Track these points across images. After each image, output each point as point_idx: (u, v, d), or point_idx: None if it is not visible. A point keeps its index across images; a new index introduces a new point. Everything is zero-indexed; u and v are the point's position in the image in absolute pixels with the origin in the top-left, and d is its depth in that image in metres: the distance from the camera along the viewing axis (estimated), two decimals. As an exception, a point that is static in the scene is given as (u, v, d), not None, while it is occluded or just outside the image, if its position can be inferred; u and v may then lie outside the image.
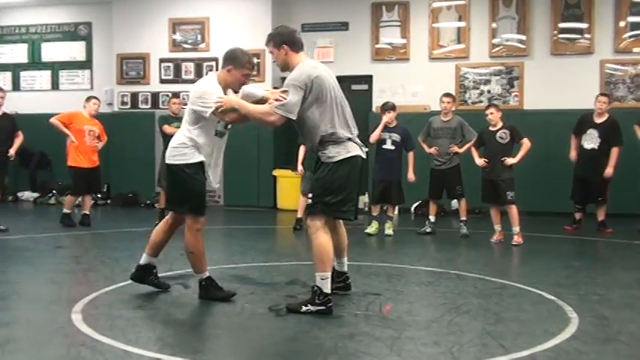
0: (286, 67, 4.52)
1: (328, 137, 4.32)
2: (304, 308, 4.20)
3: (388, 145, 8.17)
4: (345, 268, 4.85)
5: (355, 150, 4.40)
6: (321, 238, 4.27)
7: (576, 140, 8.78)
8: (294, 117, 4.27)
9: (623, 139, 8.58)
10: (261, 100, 4.80)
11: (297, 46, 4.48)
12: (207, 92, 4.50)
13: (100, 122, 9.19)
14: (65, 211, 8.84)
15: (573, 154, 8.79)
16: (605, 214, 8.69)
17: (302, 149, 8.68)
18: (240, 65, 4.66)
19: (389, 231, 8.17)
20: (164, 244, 4.87)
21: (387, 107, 8.21)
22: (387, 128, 8.17)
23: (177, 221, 4.81)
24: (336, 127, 4.34)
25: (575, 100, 9.98)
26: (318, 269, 4.27)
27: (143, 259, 4.87)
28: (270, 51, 4.60)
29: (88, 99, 9.04)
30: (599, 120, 8.62)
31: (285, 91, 4.31)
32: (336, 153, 4.33)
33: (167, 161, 4.72)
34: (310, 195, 4.44)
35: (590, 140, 8.60)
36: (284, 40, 4.48)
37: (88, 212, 8.94)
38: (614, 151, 8.49)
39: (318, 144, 4.35)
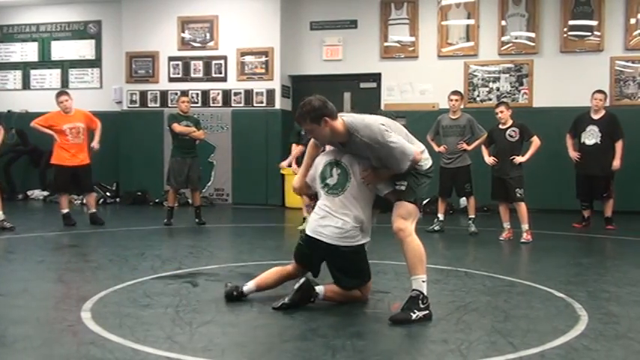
0: (332, 137, 4.32)
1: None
2: (413, 316, 4.01)
3: None
4: None
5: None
6: (417, 239, 4.23)
7: (572, 140, 8.82)
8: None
9: (624, 133, 8.65)
10: None
11: (335, 113, 4.28)
12: None
13: (89, 114, 8.95)
14: (62, 211, 8.72)
15: (574, 154, 8.82)
16: (612, 211, 8.68)
17: (294, 149, 8.56)
18: None
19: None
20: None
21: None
22: None
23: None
24: (412, 140, 4.42)
25: (584, 98, 9.88)
26: (417, 272, 4.14)
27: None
28: (310, 129, 4.30)
29: (57, 96, 8.72)
30: (596, 116, 8.68)
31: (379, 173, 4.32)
32: (425, 162, 4.39)
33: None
34: (406, 199, 4.24)
35: (592, 136, 8.66)
36: (322, 114, 4.20)
37: (94, 210, 8.92)
38: (619, 145, 8.58)
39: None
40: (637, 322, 4.14)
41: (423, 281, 4.14)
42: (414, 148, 4.27)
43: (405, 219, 4.23)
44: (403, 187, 4.27)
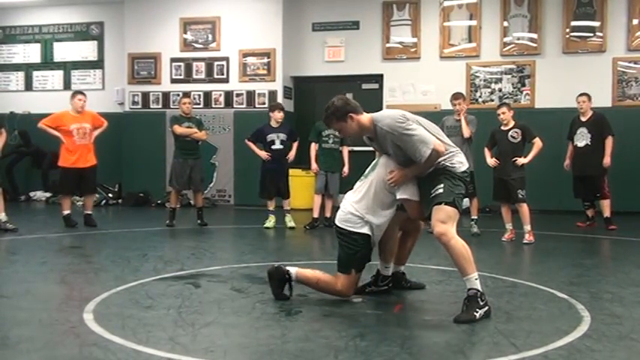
0: (360, 131, 4.55)
1: (448, 150, 4.44)
2: (477, 315, 4.07)
3: (277, 145, 8.66)
4: (390, 272, 4.91)
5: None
6: (460, 240, 4.26)
7: (572, 145, 8.86)
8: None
9: (614, 132, 8.70)
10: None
11: (359, 108, 4.50)
12: None
13: (96, 114, 9.04)
14: (63, 213, 8.72)
15: (567, 163, 8.88)
16: (610, 211, 8.69)
17: (313, 147, 8.77)
18: None
19: (291, 223, 8.69)
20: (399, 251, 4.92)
21: (272, 107, 9.00)
22: (274, 129, 8.69)
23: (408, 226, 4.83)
24: (446, 140, 4.51)
25: (587, 99, 9.92)
26: (469, 272, 4.19)
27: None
28: (339, 128, 4.56)
29: (73, 95, 8.83)
30: (584, 118, 8.79)
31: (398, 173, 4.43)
32: (460, 164, 4.45)
33: None
34: (442, 202, 4.28)
35: (582, 138, 8.76)
36: (347, 111, 4.44)
37: (90, 212, 8.88)
38: (608, 142, 8.65)
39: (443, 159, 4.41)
40: (640, 323, 4.13)
41: (476, 279, 4.19)
42: (435, 139, 4.33)
43: (445, 223, 4.26)
44: (441, 190, 4.32)
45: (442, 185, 4.33)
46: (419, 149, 4.27)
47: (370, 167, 4.67)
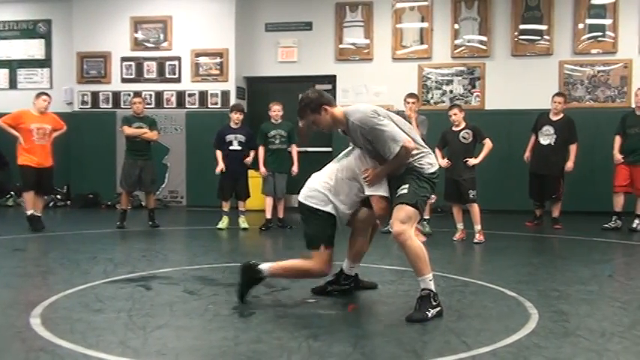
0: (334, 124, 4.56)
1: (418, 150, 4.45)
2: (429, 315, 4.11)
3: (235, 146, 8.70)
4: (353, 272, 4.95)
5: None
6: (417, 241, 4.31)
7: (535, 139, 9.00)
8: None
9: (578, 138, 8.90)
10: None
11: (332, 101, 4.53)
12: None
13: (57, 117, 8.92)
14: (27, 212, 8.46)
15: (527, 155, 9.03)
16: (559, 212, 8.92)
17: (261, 151, 8.77)
18: None
19: (244, 225, 8.72)
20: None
21: (232, 108, 9.14)
22: (232, 130, 8.74)
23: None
24: (418, 140, 4.52)
25: (534, 100, 10.14)
26: (423, 272, 4.22)
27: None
28: (313, 119, 4.51)
29: (38, 95, 8.71)
30: (555, 118, 8.92)
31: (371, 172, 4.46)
32: (429, 165, 4.46)
33: None
34: (404, 202, 4.30)
35: (547, 136, 8.89)
36: (321, 103, 4.45)
37: (40, 214, 8.67)
38: (573, 148, 8.83)
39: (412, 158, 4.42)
40: (585, 319, 4.24)
41: (430, 280, 4.23)
42: (405, 136, 4.36)
43: (404, 223, 4.30)
44: (405, 191, 4.35)
45: (407, 186, 4.36)
46: (388, 145, 4.31)
47: (344, 153, 4.69)
